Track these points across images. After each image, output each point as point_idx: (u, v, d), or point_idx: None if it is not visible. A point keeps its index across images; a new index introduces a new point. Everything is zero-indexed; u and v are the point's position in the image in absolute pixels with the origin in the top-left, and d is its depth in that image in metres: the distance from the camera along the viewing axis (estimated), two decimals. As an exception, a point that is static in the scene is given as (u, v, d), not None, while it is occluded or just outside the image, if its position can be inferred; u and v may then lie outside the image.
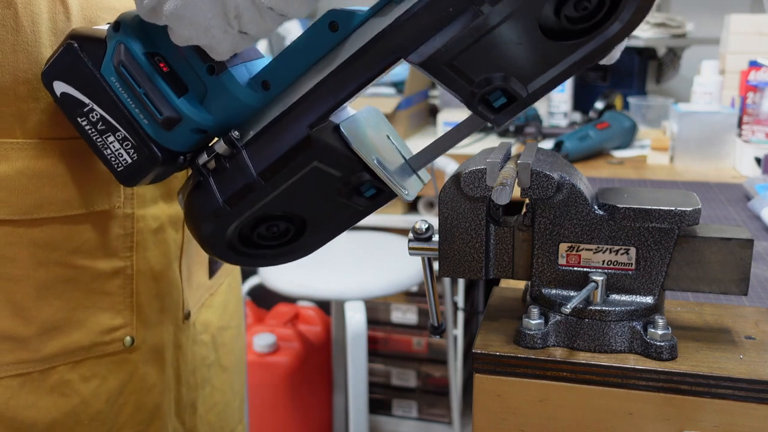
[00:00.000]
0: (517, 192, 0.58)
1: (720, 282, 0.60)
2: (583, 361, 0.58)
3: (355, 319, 1.71)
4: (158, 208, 0.72)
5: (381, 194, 0.55)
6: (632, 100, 2.11)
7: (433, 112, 2.38)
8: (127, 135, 0.56)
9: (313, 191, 0.54)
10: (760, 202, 1.12)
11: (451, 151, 1.95)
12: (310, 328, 2.10)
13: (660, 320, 0.58)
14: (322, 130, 0.52)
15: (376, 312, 2.19)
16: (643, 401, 0.57)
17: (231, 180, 0.54)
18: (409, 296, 2.16)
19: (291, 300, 2.18)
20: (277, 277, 1.74)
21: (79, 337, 0.67)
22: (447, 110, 2.21)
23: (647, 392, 0.57)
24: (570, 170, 0.61)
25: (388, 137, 0.57)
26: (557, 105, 2.17)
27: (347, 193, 0.54)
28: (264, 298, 2.19)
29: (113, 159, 0.57)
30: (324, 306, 2.20)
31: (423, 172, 0.57)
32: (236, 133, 0.54)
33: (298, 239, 0.58)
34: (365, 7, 0.50)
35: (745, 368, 0.56)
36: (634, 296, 0.60)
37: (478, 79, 0.48)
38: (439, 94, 2.38)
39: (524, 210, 0.63)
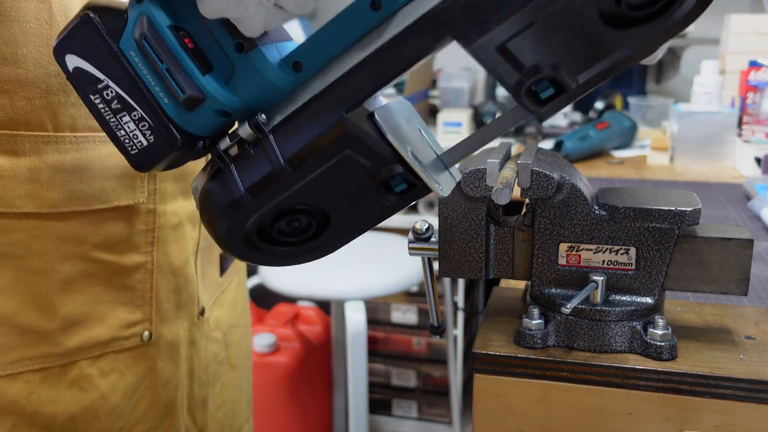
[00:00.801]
0: (517, 192, 0.58)
1: (720, 282, 0.60)
2: (583, 361, 0.58)
3: (355, 319, 1.71)
4: (177, 204, 0.72)
5: (412, 190, 0.51)
6: (632, 100, 2.11)
7: (433, 112, 2.38)
8: (144, 115, 0.51)
9: (341, 183, 0.50)
10: (760, 202, 1.12)
11: (451, 151, 1.88)
12: (310, 328, 2.10)
13: (660, 320, 0.58)
14: (356, 116, 0.48)
15: (376, 312, 2.19)
16: (643, 401, 0.57)
17: (255, 167, 0.50)
18: (409, 296, 2.16)
19: (291, 300, 2.18)
20: (277, 277, 1.74)
21: (99, 332, 0.67)
22: (447, 110, 2.21)
23: (647, 392, 0.57)
24: (570, 170, 0.61)
25: (420, 131, 0.54)
26: (557, 105, 2.17)
27: (376, 186, 0.50)
28: (264, 298, 2.19)
29: (127, 141, 0.52)
30: (324, 306, 2.20)
31: (455, 170, 0.54)
32: (263, 116, 0.50)
33: (319, 236, 0.54)
34: None
35: (745, 368, 0.56)
36: (634, 296, 0.60)
37: (529, 65, 0.45)
38: (438, 93, 2.38)
39: (524, 210, 0.63)
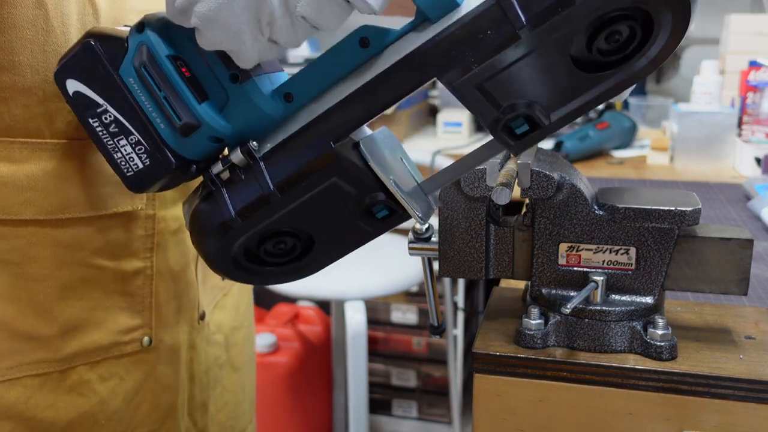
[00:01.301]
0: (517, 192, 0.58)
1: (720, 282, 0.60)
2: (583, 361, 0.58)
3: (355, 319, 1.71)
4: (178, 209, 0.72)
5: (393, 216, 0.54)
6: (632, 100, 2.11)
7: (432, 112, 2.38)
8: (140, 139, 0.54)
9: (327, 208, 0.53)
10: (760, 202, 1.12)
11: (451, 151, 1.96)
12: (310, 328, 2.10)
13: (660, 320, 0.58)
14: (343, 146, 0.51)
15: (376, 312, 2.19)
16: (643, 401, 0.57)
17: (245, 191, 0.53)
18: (409, 296, 2.16)
19: (291, 300, 2.18)
20: (277, 277, 1.74)
21: (98, 337, 0.67)
22: (447, 110, 2.21)
23: (647, 392, 0.57)
24: (570, 170, 0.61)
25: (402, 159, 0.56)
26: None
27: (360, 213, 0.53)
28: (264, 298, 2.19)
29: (123, 163, 0.55)
30: (324, 306, 2.20)
31: (434, 197, 0.57)
32: (254, 143, 0.52)
33: (304, 257, 0.57)
34: (396, 27, 0.50)
35: (745, 368, 0.56)
36: (634, 296, 0.60)
37: (505, 104, 0.48)
38: (438, 94, 2.38)
39: (524, 210, 0.63)
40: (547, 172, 0.59)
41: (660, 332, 0.58)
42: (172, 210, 0.71)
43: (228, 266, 0.56)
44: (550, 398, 0.59)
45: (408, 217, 0.54)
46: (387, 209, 0.53)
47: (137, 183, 0.56)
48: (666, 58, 0.47)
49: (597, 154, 1.69)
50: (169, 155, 0.54)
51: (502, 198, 0.53)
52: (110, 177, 0.65)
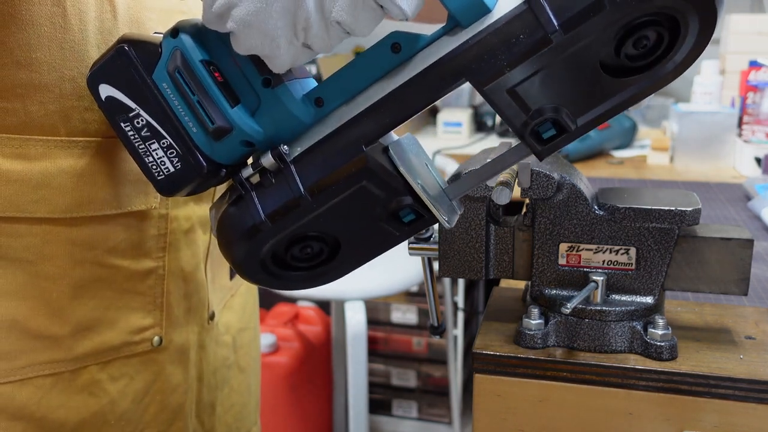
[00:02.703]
0: (517, 192, 0.58)
1: (720, 282, 0.60)
2: (583, 361, 0.58)
3: (355, 319, 1.71)
4: (189, 209, 0.72)
5: (419, 220, 0.54)
6: (632, 100, 2.10)
7: (433, 112, 2.38)
8: (172, 143, 0.55)
9: (355, 212, 0.54)
10: (760, 202, 1.12)
11: (451, 151, 1.96)
12: (310, 328, 2.10)
13: (660, 320, 0.58)
14: (374, 150, 0.52)
15: (376, 312, 2.19)
16: (643, 401, 0.57)
17: (276, 195, 0.53)
18: (409, 296, 2.16)
19: (291, 300, 2.18)
20: (277, 277, 1.74)
21: (110, 337, 0.67)
22: (447, 110, 2.21)
23: (647, 392, 0.57)
24: (570, 170, 0.61)
25: (427, 165, 0.57)
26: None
27: (387, 216, 0.54)
28: (264, 298, 2.18)
29: (154, 167, 0.56)
30: (324, 306, 2.20)
31: (457, 202, 0.57)
32: (285, 147, 0.53)
33: (330, 261, 0.57)
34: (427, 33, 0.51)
35: (745, 368, 0.56)
36: (634, 296, 0.60)
37: (534, 108, 0.49)
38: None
39: (524, 210, 0.63)
40: (547, 172, 0.59)
41: (660, 332, 0.58)
42: (184, 210, 0.71)
43: (256, 271, 0.56)
44: (550, 398, 0.59)
45: (434, 221, 0.54)
46: (414, 213, 0.54)
47: (168, 186, 0.57)
48: (692, 63, 0.47)
49: (597, 154, 1.69)
50: (201, 159, 0.55)
51: (502, 198, 0.53)
52: (125, 176, 0.65)
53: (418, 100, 0.51)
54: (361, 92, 0.52)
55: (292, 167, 0.53)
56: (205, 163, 0.55)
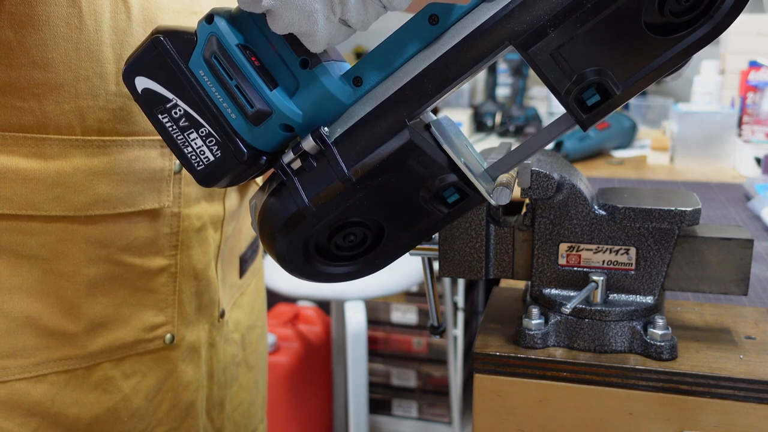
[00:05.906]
0: (517, 192, 0.58)
1: (720, 282, 0.60)
2: (583, 361, 0.58)
3: (355, 319, 1.71)
4: (201, 207, 0.73)
5: (464, 200, 0.54)
6: (632, 100, 2.11)
7: (433, 111, 2.38)
8: (211, 131, 0.54)
9: (399, 192, 0.53)
10: (760, 202, 1.12)
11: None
12: (310, 328, 2.10)
13: (660, 320, 0.58)
14: (416, 126, 0.51)
15: (376, 312, 2.19)
16: (643, 401, 0.57)
17: (319, 178, 0.52)
18: (409, 296, 2.16)
19: (291, 300, 2.18)
20: (278, 277, 1.74)
21: (123, 334, 0.68)
22: (447, 110, 2.21)
23: (647, 392, 0.57)
24: (570, 170, 0.61)
25: (467, 146, 0.56)
26: (557, 105, 2.17)
27: (431, 197, 0.53)
28: (264, 298, 2.19)
29: (194, 157, 0.55)
30: (324, 306, 2.20)
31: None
32: (326, 129, 0.52)
33: (374, 249, 0.56)
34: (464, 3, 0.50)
35: (745, 368, 0.56)
36: (634, 296, 0.60)
37: (578, 72, 0.48)
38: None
39: (524, 210, 0.63)
40: (547, 172, 0.59)
41: (660, 332, 0.58)
42: (195, 208, 0.72)
43: (300, 262, 0.55)
44: (550, 398, 0.59)
45: (478, 200, 0.53)
46: (458, 192, 0.53)
47: (208, 176, 0.55)
48: (736, 17, 0.46)
49: (597, 154, 1.69)
50: (241, 145, 0.54)
51: (502, 198, 0.53)
52: (138, 174, 0.66)
53: (461, 70, 0.49)
54: (400, 67, 0.51)
55: (334, 149, 0.52)
56: (245, 150, 0.54)
